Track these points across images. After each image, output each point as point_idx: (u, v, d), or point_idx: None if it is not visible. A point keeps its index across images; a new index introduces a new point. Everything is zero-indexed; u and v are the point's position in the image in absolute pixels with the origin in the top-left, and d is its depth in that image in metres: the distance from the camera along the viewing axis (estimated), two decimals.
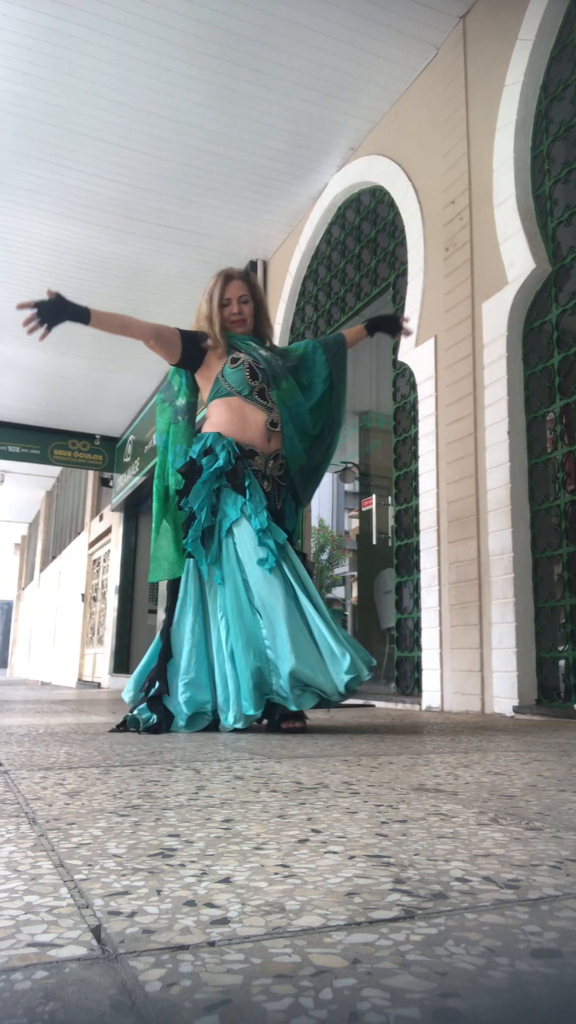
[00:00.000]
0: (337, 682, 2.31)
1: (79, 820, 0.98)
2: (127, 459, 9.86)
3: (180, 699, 2.43)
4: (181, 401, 2.80)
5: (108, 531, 11.09)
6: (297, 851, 0.82)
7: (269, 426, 2.64)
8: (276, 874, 0.73)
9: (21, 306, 2.47)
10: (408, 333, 3.08)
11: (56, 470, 13.98)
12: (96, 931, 0.57)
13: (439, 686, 3.56)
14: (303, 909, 0.62)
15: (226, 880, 0.71)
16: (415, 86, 4.34)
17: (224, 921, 0.59)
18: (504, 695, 3.14)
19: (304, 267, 5.56)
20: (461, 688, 3.42)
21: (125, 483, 9.80)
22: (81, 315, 2.52)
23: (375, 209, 4.78)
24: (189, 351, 2.71)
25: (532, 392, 3.33)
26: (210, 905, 0.63)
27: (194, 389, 2.82)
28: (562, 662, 3.04)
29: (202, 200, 5.45)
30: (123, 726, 2.44)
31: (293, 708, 2.35)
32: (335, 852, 0.81)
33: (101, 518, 11.62)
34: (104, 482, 11.20)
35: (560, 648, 3.06)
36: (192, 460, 2.58)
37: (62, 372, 8.54)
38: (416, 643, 3.86)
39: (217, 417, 2.65)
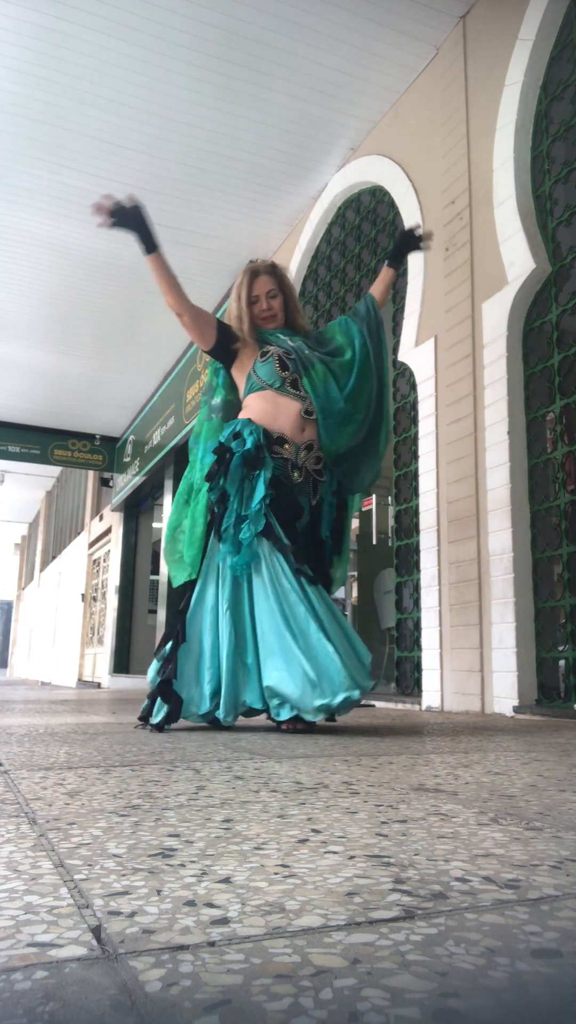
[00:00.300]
0: (309, 704, 2.27)
1: (79, 820, 0.98)
2: (127, 459, 9.86)
3: (205, 689, 2.43)
4: (217, 400, 2.81)
5: (108, 531, 11.10)
6: (297, 851, 0.82)
7: (304, 414, 2.61)
8: (276, 874, 0.73)
9: (106, 196, 2.47)
10: (429, 238, 2.91)
11: (56, 470, 13.99)
12: (96, 931, 0.57)
13: (439, 686, 3.56)
14: (303, 909, 0.62)
15: (226, 880, 0.71)
16: (415, 86, 4.34)
17: (224, 921, 0.59)
18: (504, 695, 3.14)
19: (304, 267, 5.56)
20: (461, 688, 3.42)
21: (125, 483, 9.80)
22: (146, 244, 2.52)
23: (375, 209, 4.78)
24: (222, 342, 2.70)
25: (532, 392, 3.33)
26: (210, 905, 0.63)
27: (231, 388, 2.81)
28: (562, 662, 3.04)
29: (202, 200, 5.45)
30: (145, 721, 2.45)
31: (275, 717, 2.38)
32: (335, 852, 0.81)
33: (101, 518, 11.62)
34: (104, 482, 11.21)
35: (560, 648, 3.06)
36: (222, 444, 2.58)
37: (62, 372, 8.54)
38: (416, 643, 3.86)
39: (250, 408, 2.66)
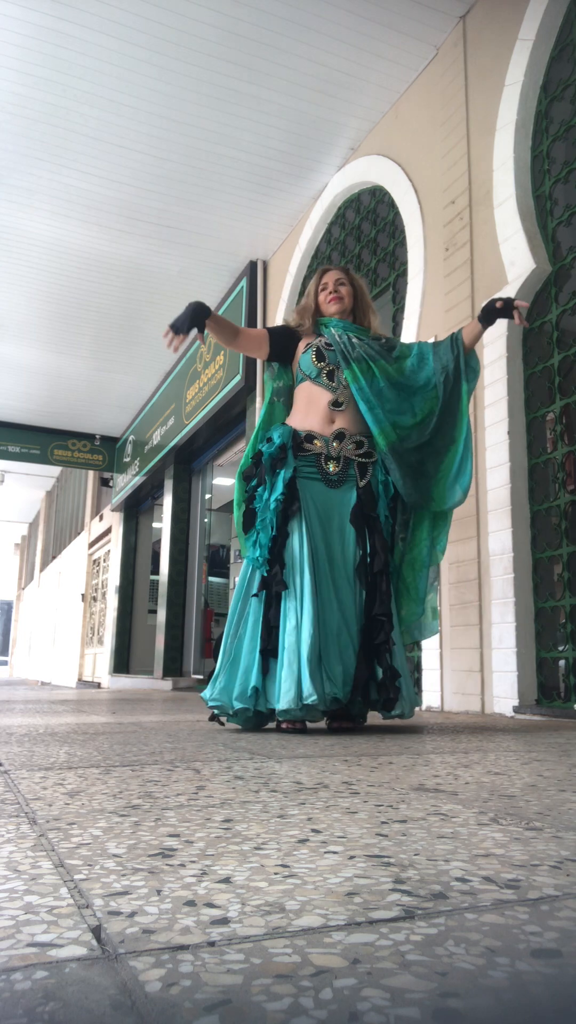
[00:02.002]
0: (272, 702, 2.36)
1: (79, 820, 0.98)
2: (127, 459, 9.86)
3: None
4: (279, 383, 2.82)
5: (108, 531, 11.10)
6: (297, 851, 0.82)
7: (331, 406, 2.61)
8: (276, 874, 0.73)
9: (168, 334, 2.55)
10: (523, 310, 2.65)
11: (56, 470, 13.99)
12: (96, 931, 0.57)
13: (439, 686, 3.56)
14: (303, 909, 0.62)
15: (226, 880, 0.71)
16: (415, 86, 4.34)
17: (224, 921, 0.59)
18: (504, 695, 3.14)
19: (304, 267, 5.56)
20: (461, 688, 3.42)
21: (125, 483, 9.80)
22: (199, 325, 2.56)
23: (375, 209, 4.78)
24: (277, 349, 2.74)
25: (532, 392, 3.33)
26: (210, 905, 0.63)
27: (292, 374, 2.84)
28: (562, 662, 3.04)
29: (202, 200, 5.45)
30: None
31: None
32: (335, 852, 0.81)
33: (101, 518, 11.62)
34: (104, 482, 11.21)
35: (560, 648, 3.06)
36: (260, 449, 2.63)
37: (62, 372, 8.54)
38: (416, 643, 3.86)
39: (294, 404, 2.72)
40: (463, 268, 3.72)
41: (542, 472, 3.25)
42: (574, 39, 3.27)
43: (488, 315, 2.66)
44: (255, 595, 2.50)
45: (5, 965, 0.50)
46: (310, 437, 2.60)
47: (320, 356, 2.66)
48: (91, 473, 12.08)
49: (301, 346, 2.73)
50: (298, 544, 2.46)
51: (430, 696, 3.61)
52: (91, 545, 12.29)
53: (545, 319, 3.29)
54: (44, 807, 1.07)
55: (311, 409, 2.64)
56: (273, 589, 2.45)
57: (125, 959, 0.52)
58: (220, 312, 6.69)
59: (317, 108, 4.56)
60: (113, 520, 10.75)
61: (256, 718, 2.44)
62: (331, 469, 2.58)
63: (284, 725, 2.40)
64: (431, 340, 3.81)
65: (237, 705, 2.38)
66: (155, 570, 9.59)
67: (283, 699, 2.28)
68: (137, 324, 7.32)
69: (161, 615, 8.18)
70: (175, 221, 5.70)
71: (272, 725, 2.53)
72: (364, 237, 4.87)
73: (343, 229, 5.15)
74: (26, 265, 6.29)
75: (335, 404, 2.62)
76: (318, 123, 4.69)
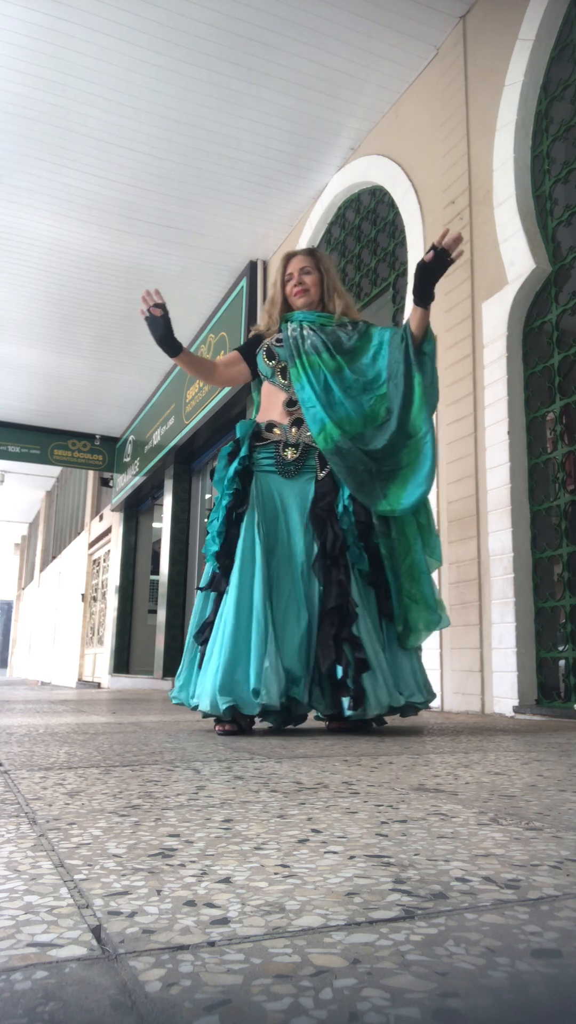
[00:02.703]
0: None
1: (79, 820, 0.98)
2: (127, 459, 9.86)
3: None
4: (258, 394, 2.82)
5: (108, 531, 11.10)
6: (297, 851, 0.82)
7: (286, 405, 2.58)
8: (276, 874, 0.73)
9: (153, 293, 2.55)
10: (449, 244, 2.37)
11: (56, 470, 13.99)
12: (96, 931, 0.57)
13: (439, 686, 3.56)
14: (303, 909, 0.62)
15: (226, 880, 0.71)
16: (415, 86, 4.34)
17: (224, 921, 0.59)
18: (504, 695, 3.14)
19: None
20: (461, 688, 3.42)
21: (125, 483, 9.80)
22: (170, 350, 2.58)
23: (375, 209, 4.78)
24: (251, 359, 2.72)
25: (532, 392, 3.33)
26: (210, 905, 0.63)
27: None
28: (562, 662, 3.04)
29: (202, 200, 5.45)
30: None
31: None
32: (335, 852, 0.81)
33: (101, 518, 11.62)
34: (104, 482, 11.21)
35: (560, 648, 3.06)
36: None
37: (62, 372, 8.54)
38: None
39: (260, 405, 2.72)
40: (463, 268, 3.72)
41: (542, 472, 3.25)
42: (574, 39, 3.27)
43: (422, 284, 2.41)
44: (201, 588, 2.49)
45: (5, 965, 0.50)
46: (270, 426, 2.59)
47: (270, 355, 2.63)
48: (91, 473, 12.08)
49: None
50: (245, 542, 2.39)
51: None
52: (91, 545, 12.29)
53: (545, 319, 3.29)
54: (44, 807, 1.07)
55: (271, 405, 2.63)
56: (212, 587, 2.44)
57: (125, 959, 0.52)
58: (220, 312, 6.69)
59: (317, 108, 4.56)
60: (113, 520, 10.75)
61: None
62: (289, 456, 2.52)
63: (218, 728, 2.32)
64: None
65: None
66: (155, 570, 9.60)
67: (205, 698, 2.26)
68: (137, 324, 7.31)
69: (161, 615, 8.18)
70: (175, 221, 5.70)
71: (264, 725, 2.48)
72: (364, 237, 4.87)
73: (343, 229, 5.15)
74: (26, 265, 6.29)
75: (290, 404, 2.58)
76: (318, 123, 4.69)
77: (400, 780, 1.33)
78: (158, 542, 9.14)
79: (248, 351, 2.73)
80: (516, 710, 3.06)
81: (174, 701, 2.48)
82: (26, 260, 6.22)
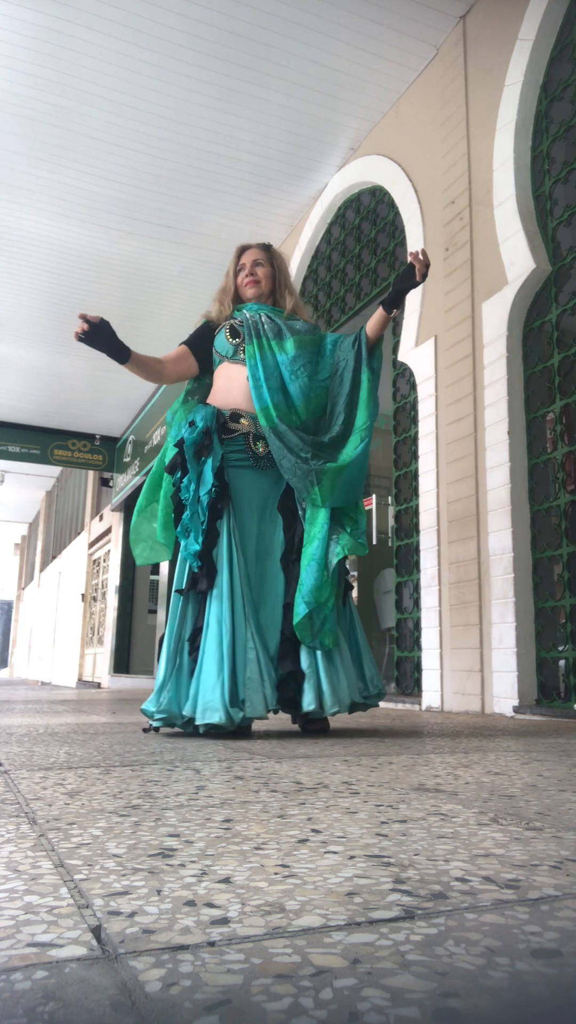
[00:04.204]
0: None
1: (79, 820, 0.98)
2: (127, 459, 9.86)
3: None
4: (195, 383, 2.70)
5: (108, 531, 11.09)
6: (297, 851, 0.82)
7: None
8: (276, 874, 0.73)
9: (83, 316, 2.42)
10: (423, 266, 2.42)
11: (56, 470, 13.99)
12: (96, 931, 0.57)
13: (439, 686, 3.56)
14: (303, 909, 0.62)
15: (226, 880, 0.71)
16: (415, 86, 4.34)
17: (224, 921, 0.59)
18: (504, 695, 3.14)
19: (304, 267, 5.56)
20: (461, 688, 3.42)
21: (125, 483, 9.80)
22: (118, 357, 2.46)
23: (375, 209, 4.78)
24: (201, 350, 2.63)
25: (532, 392, 3.33)
26: (210, 905, 0.63)
27: (208, 369, 2.70)
28: (562, 662, 3.04)
29: (202, 200, 5.45)
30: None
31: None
32: (335, 852, 0.81)
33: (101, 518, 11.62)
34: (104, 482, 11.21)
35: (560, 648, 3.06)
36: (182, 437, 2.46)
37: (62, 372, 8.54)
38: (416, 643, 3.86)
39: (213, 389, 2.59)
40: (463, 268, 3.72)
41: (542, 472, 3.25)
42: (574, 39, 3.27)
43: (399, 294, 2.46)
44: (179, 591, 2.38)
45: (5, 965, 0.50)
46: (235, 416, 2.47)
47: (234, 333, 2.56)
48: (91, 473, 12.08)
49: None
50: (230, 543, 2.34)
51: (430, 696, 3.61)
52: (91, 545, 12.29)
53: (545, 319, 3.29)
54: (44, 807, 1.07)
55: (232, 387, 2.52)
56: (197, 588, 2.32)
57: (125, 959, 0.52)
58: None
59: (317, 108, 4.56)
60: (113, 520, 10.75)
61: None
62: (260, 449, 2.46)
63: (163, 731, 2.30)
64: (424, 342, 3.78)
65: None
66: (155, 570, 9.59)
67: (214, 711, 2.13)
68: (137, 324, 7.31)
69: (161, 615, 8.18)
70: (175, 221, 5.70)
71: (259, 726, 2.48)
72: (364, 237, 4.87)
73: (343, 229, 5.15)
74: (26, 265, 6.29)
75: None
76: (318, 123, 4.69)
77: (400, 780, 1.33)
78: None
79: (196, 342, 2.63)
80: (516, 710, 3.06)
81: (156, 717, 2.26)
82: (26, 260, 6.22)
